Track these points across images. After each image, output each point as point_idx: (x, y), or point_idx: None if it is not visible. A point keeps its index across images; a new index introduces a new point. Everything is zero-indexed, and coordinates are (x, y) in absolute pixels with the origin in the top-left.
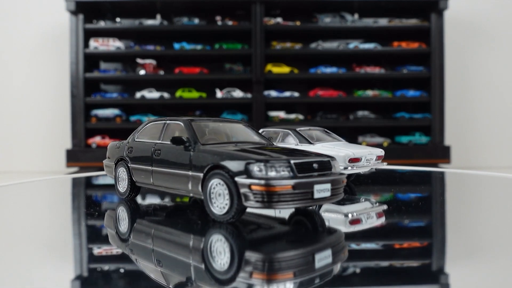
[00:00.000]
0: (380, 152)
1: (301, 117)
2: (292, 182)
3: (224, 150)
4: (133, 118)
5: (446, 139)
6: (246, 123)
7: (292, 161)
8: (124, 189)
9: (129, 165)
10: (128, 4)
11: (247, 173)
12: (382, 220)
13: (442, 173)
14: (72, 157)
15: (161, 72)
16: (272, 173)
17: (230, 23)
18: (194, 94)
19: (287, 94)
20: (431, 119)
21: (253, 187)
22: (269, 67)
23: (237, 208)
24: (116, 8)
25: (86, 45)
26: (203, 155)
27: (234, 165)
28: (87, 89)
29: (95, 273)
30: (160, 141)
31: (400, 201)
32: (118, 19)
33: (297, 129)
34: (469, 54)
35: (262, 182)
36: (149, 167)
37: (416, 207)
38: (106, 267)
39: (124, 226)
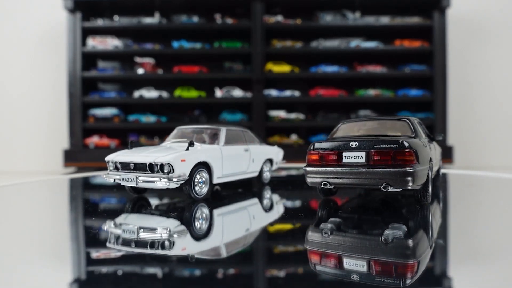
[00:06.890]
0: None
1: (301, 116)
2: None
3: None
4: (131, 117)
5: (449, 139)
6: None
7: None
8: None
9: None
10: (126, 2)
11: None
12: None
13: (444, 174)
14: (69, 157)
15: (160, 71)
16: None
17: (229, 21)
18: (193, 93)
19: (287, 93)
20: (433, 119)
21: None
22: (270, 66)
23: None
24: (114, 6)
25: (83, 43)
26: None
27: None
28: (85, 88)
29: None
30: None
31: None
32: (116, 17)
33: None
34: (472, 53)
35: None
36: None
37: (416, 209)
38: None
39: None
